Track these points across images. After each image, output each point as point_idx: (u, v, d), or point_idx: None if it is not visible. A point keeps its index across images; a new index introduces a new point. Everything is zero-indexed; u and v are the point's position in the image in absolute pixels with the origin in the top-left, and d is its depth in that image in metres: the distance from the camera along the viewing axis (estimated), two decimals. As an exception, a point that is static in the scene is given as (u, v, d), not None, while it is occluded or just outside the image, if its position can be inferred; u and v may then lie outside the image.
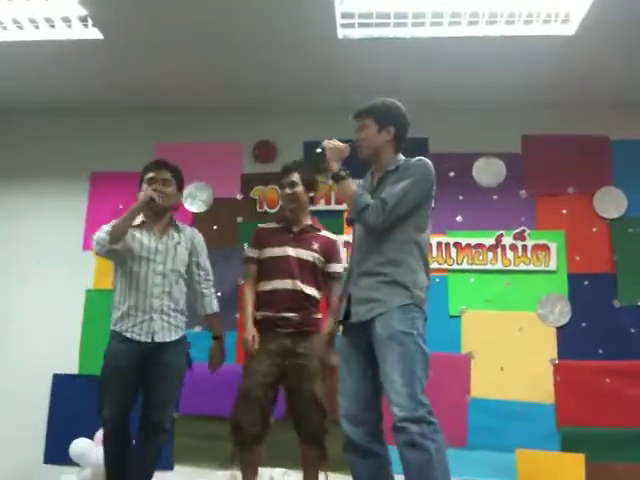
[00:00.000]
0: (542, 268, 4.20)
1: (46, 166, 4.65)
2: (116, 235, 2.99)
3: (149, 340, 3.02)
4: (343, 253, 4.14)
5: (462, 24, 3.56)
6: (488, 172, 4.41)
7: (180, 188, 3.28)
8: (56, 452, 4.04)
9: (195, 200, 4.50)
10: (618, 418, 3.93)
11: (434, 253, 4.22)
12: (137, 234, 3.12)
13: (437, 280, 4.07)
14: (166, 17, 3.49)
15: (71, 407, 4.13)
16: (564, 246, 4.23)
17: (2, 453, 4.14)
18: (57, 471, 3.99)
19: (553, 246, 4.22)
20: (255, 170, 4.51)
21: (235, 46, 3.78)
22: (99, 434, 3.60)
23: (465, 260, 4.26)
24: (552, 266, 4.20)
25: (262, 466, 3.52)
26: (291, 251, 3.23)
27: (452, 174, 4.37)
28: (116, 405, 2.99)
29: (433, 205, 2.69)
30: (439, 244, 4.26)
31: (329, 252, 3.32)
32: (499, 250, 4.25)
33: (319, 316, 3.27)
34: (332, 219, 4.23)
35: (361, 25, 3.60)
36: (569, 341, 4.10)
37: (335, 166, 2.60)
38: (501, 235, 4.27)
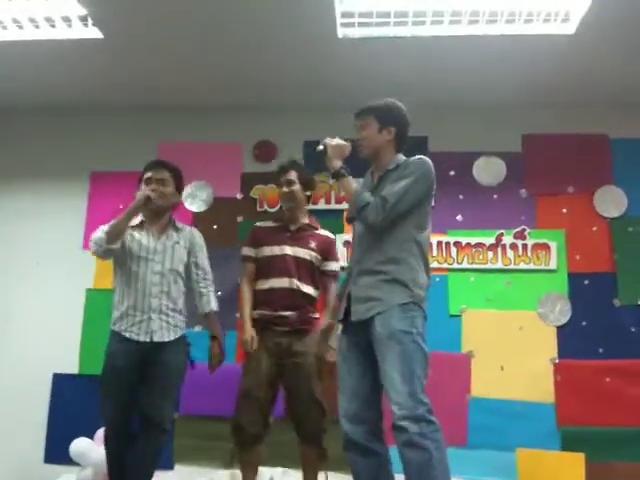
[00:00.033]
0: (542, 267, 4.20)
1: (46, 166, 4.65)
2: (113, 235, 3.00)
3: (147, 340, 3.02)
4: (343, 252, 4.16)
5: (462, 23, 3.56)
6: (488, 171, 4.41)
7: (179, 188, 3.28)
8: (56, 451, 4.04)
9: (195, 199, 4.51)
10: (618, 417, 3.93)
11: (434, 252, 4.22)
12: (136, 234, 3.14)
13: (437, 279, 4.07)
14: (166, 16, 3.49)
15: (71, 407, 4.13)
16: (564, 245, 4.23)
17: (2, 452, 4.15)
18: (57, 470, 3.99)
19: (553, 245, 4.22)
20: (255, 169, 4.51)
21: (235, 45, 3.78)
22: (99, 433, 3.61)
23: (465, 259, 4.26)
24: (552, 265, 4.20)
25: (262, 465, 3.53)
26: (288, 250, 3.24)
27: (452, 173, 4.37)
28: (115, 405, 3.01)
29: (433, 204, 2.70)
30: (439, 243, 4.26)
31: (326, 250, 3.32)
32: (499, 249, 4.25)
33: (316, 315, 3.28)
34: (332, 218, 4.23)
35: (361, 24, 3.60)
36: (569, 340, 4.10)
37: (336, 164, 2.60)
38: (501, 234, 4.27)
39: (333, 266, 3.33)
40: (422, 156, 2.61)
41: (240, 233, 4.35)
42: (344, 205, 4.18)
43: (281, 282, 3.20)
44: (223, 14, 3.46)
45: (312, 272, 3.27)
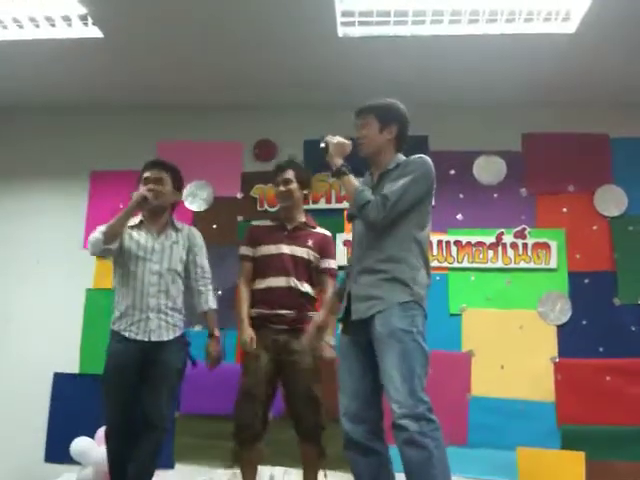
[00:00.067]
0: (542, 266, 4.21)
1: (46, 165, 4.65)
2: (110, 236, 3.02)
3: (146, 339, 3.03)
4: (344, 251, 4.16)
5: (462, 22, 3.56)
6: (488, 170, 4.41)
7: (178, 186, 3.28)
8: (57, 451, 4.04)
9: (195, 199, 4.51)
10: (618, 416, 3.93)
11: (434, 251, 4.22)
12: (135, 234, 3.16)
13: (437, 278, 4.06)
14: (166, 15, 3.49)
15: (72, 406, 4.14)
16: (564, 244, 4.23)
17: (3, 452, 4.15)
18: (58, 470, 4.00)
19: (553, 244, 4.22)
20: (255, 169, 4.51)
21: (235, 44, 3.78)
22: (100, 433, 3.61)
23: (465, 258, 4.26)
24: (552, 264, 4.20)
25: (263, 464, 3.53)
26: (286, 249, 3.24)
27: (452, 172, 4.37)
28: (116, 404, 3.02)
29: (433, 203, 2.70)
30: (439, 242, 4.26)
31: (324, 248, 3.33)
32: (499, 248, 4.25)
33: (314, 314, 3.27)
34: (333, 217, 4.24)
35: (361, 23, 3.59)
36: (569, 339, 4.10)
37: (337, 161, 2.60)
38: (501, 233, 4.27)
39: (330, 264, 3.33)
40: (422, 155, 2.61)
41: (240, 232, 4.34)
42: (344, 204, 4.18)
43: (279, 281, 3.20)
44: (223, 13, 3.46)
45: (309, 270, 3.28)
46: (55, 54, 3.89)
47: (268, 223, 3.40)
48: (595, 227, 4.26)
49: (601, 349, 4.06)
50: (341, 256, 4.06)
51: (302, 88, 4.24)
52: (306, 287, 3.24)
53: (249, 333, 3.15)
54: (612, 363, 4.02)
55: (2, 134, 4.72)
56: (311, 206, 4.32)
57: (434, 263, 4.04)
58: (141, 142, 4.49)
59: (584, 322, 4.12)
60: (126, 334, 3.04)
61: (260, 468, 3.35)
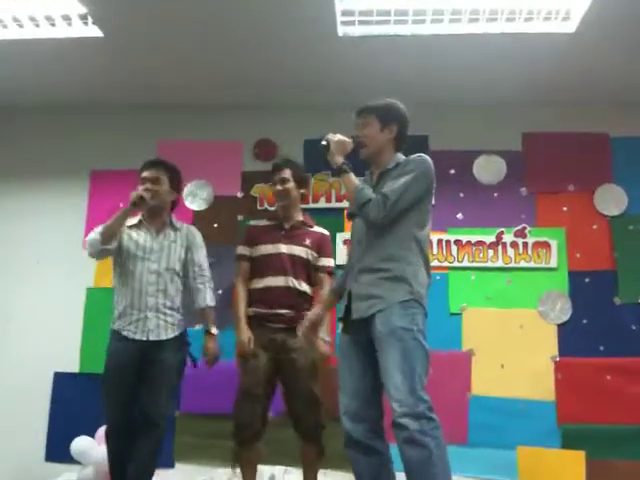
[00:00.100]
0: (543, 265, 4.21)
1: (46, 164, 4.65)
2: (107, 236, 3.03)
3: (144, 338, 3.04)
4: (343, 250, 4.15)
5: (462, 21, 3.56)
6: (488, 169, 4.41)
7: (176, 186, 3.28)
8: (57, 450, 4.04)
9: (195, 198, 4.51)
10: (619, 415, 3.93)
11: (434, 251, 4.22)
12: (134, 234, 3.17)
13: (438, 277, 4.06)
14: (166, 15, 3.49)
15: (72, 405, 4.14)
16: (565, 243, 4.23)
17: (3, 451, 4.15)
18: (58, 469, 3.99)
19: (554, 243, 4.22)
20: (255, 168, 4.51)
21: (235, 44, 3.78)
22: (100, 432, 3.61)
23: (466, 257, 4.26)
24: (553, 263, 4.20)
25: (263, 464, 3.53)
26: (284, 248, 3.24)
27: (452, 171, 4.37)
28: (116, 403, 3.03)
29: (433, 202, 2.70)
30: (439, 241, 4.26)
31: (321, 247, 3.33)
32: (500, 247, 4.25)
33: None
34: (333, 217, 4.24)
35: (361, 22, 3.59)
36: (570, 338, 4.10)
37: (338, 160, 2.60)
38: (502, 232, 4.27)
39: (328, 262, 3.33)
40: (421, 154, 2.61)
41: (240, 232, 4.32)
42: (344, 204, 4.18)
43: (277, 280, 3.20)
44: (223, 12, 3.46)
45: (307, 269, 3.28)
46: (55, 53, 3.89)
47: (265, 222, 3.40)
48: (595, 226, 4.26)
49: (601, 348, 4.06)
50: (341, 255, 4.07)
51: (302, 87, 4.24)
52: (304, 286, 3.24)
53: (247, 334, 3.14)
54: (612, 362, 4.03)
55: (2, 133, 4.72)
56: (311, 205, 4.34)
57: (434, 262, 4.04)
58: (141, 141, 4.49)
59: (584, 321, 4.12)
60: (125, 333, 3.06)
61: (260, 467, 3.36)
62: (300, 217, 3.37)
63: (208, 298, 3.19)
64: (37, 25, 3.68)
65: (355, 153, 2.66)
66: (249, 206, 4.45)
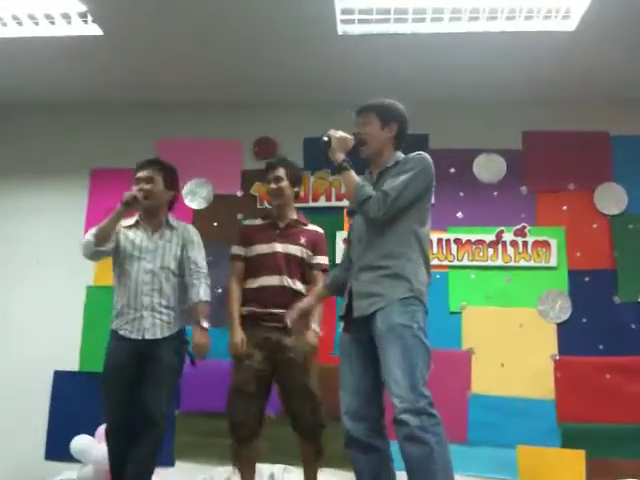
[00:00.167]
0: (542, 264, 4.21)
1: (46, 163, 4.65)
2: (101, 237, 3.05)
3: (140, 337, 3.05)
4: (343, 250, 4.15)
5: (462, 20, 3.56)
6: (488, 168, 4.41)
7: (171, 185, 3.27)
8: (57, 449, 4.04)
9: (195, 197, 4.51)
10: (618, 414, 3.93)
11: (434, 249, 4.22)
12: (130, 234, 3.19)
13: (437, 276, 4.07)
14: (166, 13, 3.49)
15: (72, 404, 4.14)
16: (564, 242, 4.23)
17: (3, 450, 4.15)
18: (58, 468, 3.99)
19: (553, 242, 4.22)
20: (255, 167, 4.49)
21: (235, 42, 3.77)
22: (100, 431, 3.61)
23: (465, 256, 4.26)
24: (552, 262, 4.20)
25: (263, 462, 3.53)
26: (279, 247, 3.23)
27: (452, 170, 4.37)
28: (115, 403, 3.04)
29: (433, 201, 2.70)
30: (439, 240, 4.26)
31: (316, 245, 3.32)
32: (499, 246, 4.25)
33: None
34: (332, 215, 4.25)
35: (361, 21, 3.59)
36: (569, 337, 4.10)
37: (339, 156, 2.59)
38: (501, 231, 4.27)
39: (322, 260, 3.33)
40: (421, 152, 2.61)
41: (240, 230, 4.35)
42: (344, 202, 4.18)
43: (271, 280, 3.19)
44: (223, 11, 3.45)
45: (302, 268, 3.27)
46: (55, 52, 3.89)
47: (259, 222, 3.38)
48: (595, 225, 4.26)
49: (601, 347, 4.07)
50: (342, 254, 4.06)
51: (302, 86, 4.23)
52: (298, 285, 3.23)
53: (240, 335, 3.14)
54: (612, 361, 4.03)
55: (1, 132, 4.71)
56: (311, 204, 4.34)
57: (434, 261, 4.04)
58: (141, 140, 4.49)
59: (584, 320, 4.12)
60: (122, 332, 3.08)
61: (260, 466, 3.36)
62: (294, 215, 3.36)
63: (202, 293, 3.13)
64: (36, 23, 3.67)
65: (355, 151, 2.66)
66: (249, 205, 4.44)
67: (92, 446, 3.76)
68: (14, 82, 4.33)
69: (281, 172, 3.28)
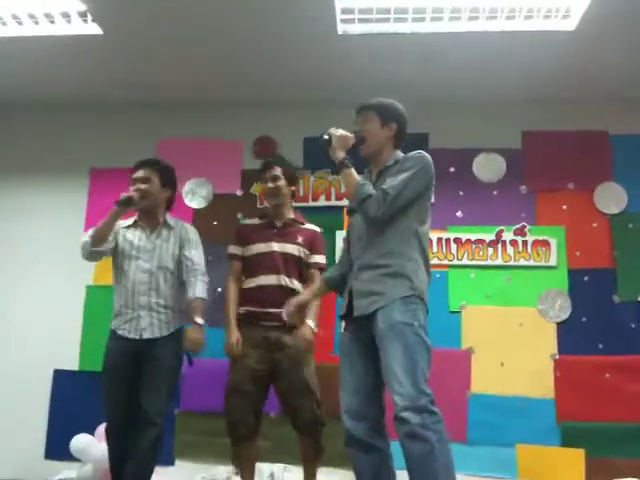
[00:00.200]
0: (542, 264, 4.21)
1: (45, 162, 4.65)
2: (97, 238, 3.06)
3: (137, 337, 3.06)
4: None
5: (462, 19, 3.56)
6: (488, 168, 4.41)
7: (168, 184, 3.26)
8: (57, 448, 4.04)
9: (195, 196, 4.51)
10: (618, 413, 3.93)
11: (434, 249, 4.22)
12: (129, 234, 3.20)
13: (437, 275, 4.08)
14: (166, 13, 3.48)
15: (72, 403, 4.14)
16: (564, 241, 4.23)
17: (3, 448, 4.15)
18: (58, 467, 4.00)
19: (553, 242, 4.22)
20: (255, 166, 4.44)
21: (235, 42, 3.77)
22: (100, 430, 3.61)
23: (465, 255, 4.26)
24: (552, 261, 4.20)
25: (263, 462, 3.53)
26: (276, 246, 3.24)
27: (452, 170, 4.37)
28: (114, 402, 3.05)
29: (433, 200, 2.70)
30: (439, 240, 4.26)
31: (313, 244, 3.32)
32: (499, 246, 4.25)
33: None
34: (332, 215, 4.25)
35: (361, 21, 3.59)
36: (569, 336, 4.10)
37: (340, 154, 2.59)
38: (501, 231, 4.27)
39: (319, 259, 3.33)
40: (420, 151, 2.61)
41: (240, 230, 4.34)
42: (344, 202, 4.18)
43: (269, 279, 3.19)
44: (223, 10, 3.45)
45: (299, 267, 3.27)
46: (54, 51, 3.89)
47: (256, 221, 3.38)
48: (595, 224, 4.26)
49: (601, 346, 4.07)
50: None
51: (302, 85, 4.23)
52: (296, 284, 3.23)
53: (235, 336, 3.13)
54: (612, 360, 4.03)
55: (1, 131, 4.71)
56: (310, 203, 4.34)
57: (434, 260, 4.05)
58: (141, 139, 4.49)
59: (584, 319, 4.12)
60: (120, 332, 3.09)
61: (260, 465, 3.36)
62: (291, 215, 3.36)
63: (197, 290, 3.10)
64: (36, 22, 3.67)
65: (355, 150, 2.66)
66: (249, 204, 4.44)
67: (92, 445, 3.76)
68: (14, 81, 4.33)
69: (278, 171, 3.28)
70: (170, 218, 3.28)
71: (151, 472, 3.03)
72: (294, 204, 3.50)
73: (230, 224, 4.38)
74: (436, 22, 3.57)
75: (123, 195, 3.10)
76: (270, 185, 3.29)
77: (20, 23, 3.68)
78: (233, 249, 3.32)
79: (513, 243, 4.25)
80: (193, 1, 3.37)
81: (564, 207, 4.30)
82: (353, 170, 2.59)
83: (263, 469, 3.70)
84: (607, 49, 3.73)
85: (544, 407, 3.99)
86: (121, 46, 3.85)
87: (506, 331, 4.13)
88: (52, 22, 3.67)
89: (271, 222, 3.32)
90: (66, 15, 3.62)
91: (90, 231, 3.12)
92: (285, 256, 3.23)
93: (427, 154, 2.59)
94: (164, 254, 3.17)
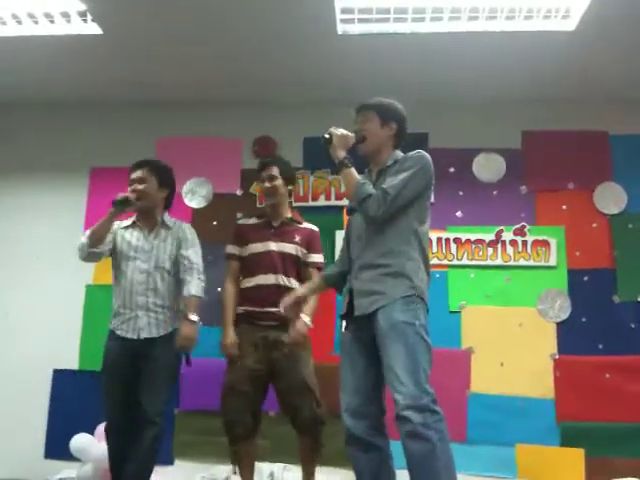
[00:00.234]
0: (542, 264, 4.21)
1: (45, 161, 4.65)
2: (94, 239, 3.07)
3: (135, 337, 3.07)
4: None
5: (462, 19, 3.56)
6: (488, 168, 4.41)
7: (165, 184, 3.26)
8: (56, 447, 4.04)
9: (195, 196, 4.50)
10: (618, 413, 3.93)
11: (434, 249, 4.22)
12: (127, 235, 3.21)
13: (437, 275, 4.08)
14: (166, 12, 3.49)
15: (71, 402, 4.14)
16: (564, 242, 4.23)
17: (3, 448, 4.15)
18: (57, 466, 3.99)
19: (553, 242, 4.22)
20: (255, 166, 4.47)
21: (235, 41, 3.77)
22: (100, 429, 3.61)
23: (465, 255, 4.26)
24: (552, 261, 4.20)
25: (262, 461, 3.53)
26: (273, 246, 3.24)
27: (452, 170, 4.37)
28: (114, 402, 3.05)
29: (433, 200, 2.70)
30: (439, 239, 4.26)
31: (311, 243, 3.32)
32: (499, 246, 4.25)
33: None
34: (332, 214, 4.25)
35: (361, 20, 3.59)
36: (569, 336, 4.10)
37: (340, 154, 2.59)
38: (501, 231, 4.27)
39: (317, 258, 3.33)
40: (420, 150, 2.61)
41: (240, 229, 4.34)
42: (344, 201, 4.18)
43: (267, 279, 3.19)
44: (223, 10, 3.45)
45: (297, 266, 3.27)
46: (54, 50, 3.89)
47: (254, 221, 3.38)
48: (595, 224, 4.26)
49: (600, 346, 4.07)
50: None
51: (302, 85, 4.23)
52: (294, 283, 3.22)
53: (231, 337, 3.14)
54: (611, 360, 4.03)
55: (1, 130, 4.71)
56: (310, 203, 4.34)
57: (434, 260, 4.05)
58: (141, 138, 4.49)
59: (583, 319, 4.12)
60: (119, 332, 3.10)
61: (260, 464, 3.35)
62: (289, 214, 3.36)
63: (193, 288, 3.09)
64: (36, 22, 3.67)
65: (355, 149, 2.66)
66: (248, 204, 4.43)
67: (91, 445, 3.76)
68: (14, 80, 4.33)
69: (275, 171, 3.29)
70: (168, 218, 3.28)
71: (151, 472, 3.03)
72: (294, 204, 3.50)
73: (230, 224, 4.34)
74: (436, 22, 3.57)
75: (120, 195, 3.10)
76: (267, 185, 3.29)
77: (20, 23, 3.68)
78: (231, 249, 3.33)
79: (513, 243, 4.25)
80: (193, 0, 3.37)
81: (564, 207, 4.30)
82: (353, 169, 2.59)
83: (263, 468, 3.70)
84: (607, 49, 3.73)
85: (544, 407, 3.99)
86: (121, 45, 3.85)
87: (506, 331, 4.13)
88: (52, 22, 3.67)
89: (268, 222, 3.32)
90: (66, 15, 3.62)
91: (87, 232, 3.13)
92: (283, 255, 3.23)
93: (427, 154, 2.59)
94: (162, 254, 3.17)
